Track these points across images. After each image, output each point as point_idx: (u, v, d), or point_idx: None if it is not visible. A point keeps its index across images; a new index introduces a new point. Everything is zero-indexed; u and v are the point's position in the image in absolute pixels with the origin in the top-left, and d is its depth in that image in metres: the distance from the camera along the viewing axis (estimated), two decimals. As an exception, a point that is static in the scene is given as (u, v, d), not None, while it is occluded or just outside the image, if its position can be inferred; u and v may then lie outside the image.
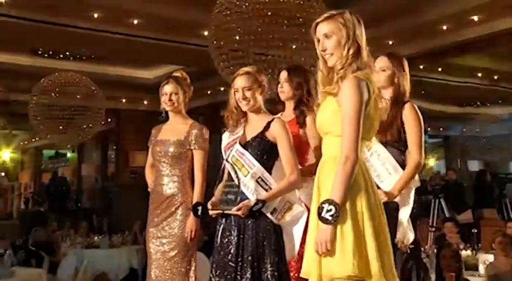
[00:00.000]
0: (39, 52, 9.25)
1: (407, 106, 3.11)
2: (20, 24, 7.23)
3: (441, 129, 16.79)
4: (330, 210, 2.19)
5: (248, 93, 3.01)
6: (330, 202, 2.20)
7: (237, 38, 5.07)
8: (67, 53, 9.49)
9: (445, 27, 7.66)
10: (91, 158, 16.61)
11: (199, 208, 3.38)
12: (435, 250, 5.78)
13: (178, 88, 3.58)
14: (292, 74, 3.45)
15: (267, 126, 2.97)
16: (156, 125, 3.80)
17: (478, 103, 13.70)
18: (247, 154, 2.95)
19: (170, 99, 3.56)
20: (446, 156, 17.33)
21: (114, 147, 14.29)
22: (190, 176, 3.60)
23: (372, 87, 2.35)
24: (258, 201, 2.87)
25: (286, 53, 5.13)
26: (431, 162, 17.49)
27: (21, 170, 21.17)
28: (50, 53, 9.32)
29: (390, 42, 8.21)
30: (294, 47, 5.21)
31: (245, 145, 2.99)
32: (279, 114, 3.44)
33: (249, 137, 3.01)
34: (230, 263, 2.89)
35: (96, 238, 8.46)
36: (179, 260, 3.44)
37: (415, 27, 7.66)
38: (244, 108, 3.05)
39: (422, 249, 6.31)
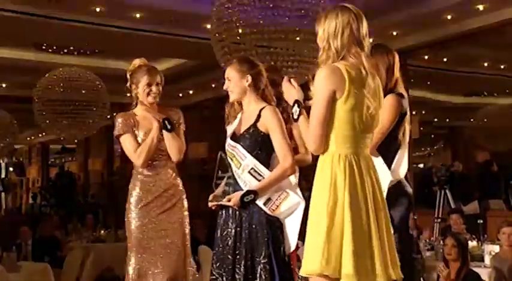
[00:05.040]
0: (43, 47, 9.24)
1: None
2: (23, 19, 7.22)
3: (447, 120, 16.69)
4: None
5: (229, 84, 3.02)
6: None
7: (239, 31, 5.04)
8: (71, 48, 9.47)
9: (449, 17, 7.59)
10: (97, 153, 16.63)
11: (166, 121, 3.32)
12: (441, 242, 5.76)
13: (159, 78, 3.44)
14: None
15: (258, 116, 2.93)
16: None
17: (485, 93, 13.59)
18: (238, 146, 2.93)
19: (158, 91, 3.39)
20: (452, 147, 17.23)
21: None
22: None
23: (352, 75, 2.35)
24: (248, 192, 2.85)
25: (288, 45, 5.09)
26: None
27: (28, 165, 21.30)
28: (54, 48, 9.30)
29: (394, 33, 8.14)
30: (297, 39, 5.17)
31: (238, 138, 2.97)
32: None
33: (242, 129, 2.99)
34: (228, 255, 2.88)
35: (102, 232, 8.50)
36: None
37: (419, 17, 7.59)
38: (231, 100, 3.04)
39: (427, 241, 6.31)
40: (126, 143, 3.40)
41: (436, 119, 16.39)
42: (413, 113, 13.38)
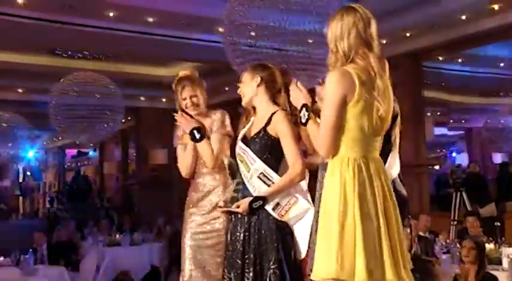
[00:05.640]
0: (58, 52, 9.32)
1: None
2: (37, 25, 7.29)
3: (463, 121, 16.54)
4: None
5: (242, 87, 3.03)
6: None
7: (251, 33, 5.02)
8: (85, 53, 9.55)
9: (464, 17, 7.50)
10: (112, 157, 16.75)
11: (195, 131, 3.28)
12: (457, 244, 5.69)
13: (196, 89, 3.41)
14: None
15: (269, 120, 2.91)
16: (174, 123, 3.68)
17: (501, 93, 13.45)
18: (248, 150, 2.91)
19: (193, 103, 3.38)
20: (468, 148, 17.06)
21: (135, 145, 14.39)
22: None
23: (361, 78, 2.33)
24: (256, 198, 2.83)
25: (302, 47, 5.06)
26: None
27: (45, 169, 21.49)
28: (69, 53, 9.39)
29: (408, 34, 8.08)
30: (310, 41, 5.14)
31: (249, 141, 2.95)
32: None
33: (253, 133, 2.97)
34: (237, 259, 2.87)
35: (117, 235, 8.51)
36: None
37: (433, 17, 7.52)
38: (243, 103, 3.04)
39: (443, 243, 6.24)
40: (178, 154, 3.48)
41: (451, 121, 16.25)
42: (428, 114, 13.32)
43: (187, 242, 3.29)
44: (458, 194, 7.91)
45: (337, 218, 2.26)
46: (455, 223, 7.58)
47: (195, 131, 3.29)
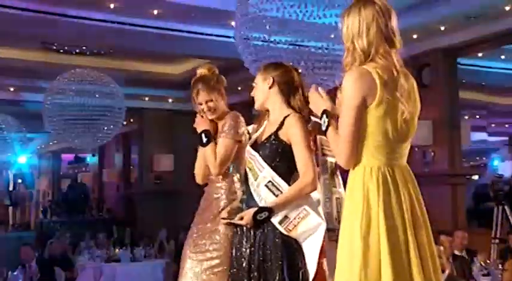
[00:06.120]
0: (53, 47, 9.41)
1: None
2: (31, 16, 7.36)
3: (506, 125, 16.39)
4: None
5: (253, 91, 3.10)
6: None
7: (266, 27, 5.05)
8: (83, 48, 9.64)
9: (508, 8, 7.39)
10: (113, 163, 16.85)
11: (203, 134, 3.33)
12: (500, 265, 5.64)
13: (211, 92, 3.44)
14: None
15: (281, 124, 2.94)
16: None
17: (548, 94, 13.32)
18: (257, 155, 2.95)
19: (209, 108, 3.42)
20: (513, 156, 16.89)
21: (137, 150, 14.47)
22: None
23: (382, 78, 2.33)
24: (262, 209, 2.84)
25: (322, 43, 5.07)
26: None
27: (38, 176, 21.67)
28: (65, 48, 9.48)
29: (442, 28, 8.03)
30: (332, 36, 5.15)
31: (258, 146, 3.00)
32: None
33: (264, 137, 3.01)
34: (244, 278, 2.89)
35: (116, 250, 8.58)
36: None
37: (471, 8, 7.43)
38: (255, 107, 3.09)
39: (482, 264, 6.19)
40: None
41: (492, 125, 16.10)
42: (466, 117, 13.22)
43: (186, 265, 3.33)
44: (501, 208, 7.80)
45: (359, 234, 2.26)
46: (496, 241, 7.49)
47: (202, 134, 3.35)
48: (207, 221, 3.33)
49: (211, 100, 3.41)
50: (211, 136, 3.38)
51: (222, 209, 3.31)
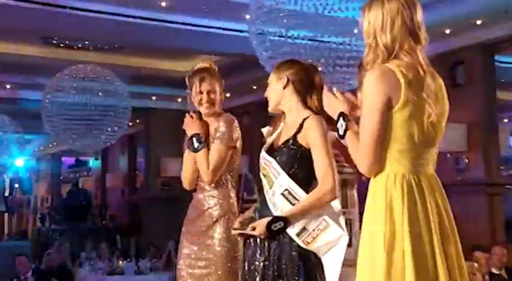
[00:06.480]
0: (53, 41, 9.48)
1: None
2: (28, 8, 7.40)
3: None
4: None
5: (267, 92, 3.11)
6: None
7: (283, 21, 5.07)
8: (86, 42, 9.70)
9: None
10: (117, 167, 16.95)
11: (194, 138, 3.38)
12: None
13: (215, 84, 3.54)
14: None
15: (300, 126, 2.94)
16: None
17: None
18: (273, 161, 2.94)
19: (209, 100, 3.49)
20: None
21: (143, 153, 14.54)
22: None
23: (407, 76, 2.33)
24: (276, 218, 2.83)
25: (344, 39, 5.09)
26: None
27: (36, 181, 21.84)
28: (66, 42, 9.55)
29: (478, 22, 8.00)
30: (355, 31, 5.16)
31: (275, 151, 2.99)
32: None
33: (281, 142, 3.00)
34: None
35: (120, 262, 8.63)
36: None
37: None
38: (269, 109, 3.11)
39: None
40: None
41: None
42: (504, 120, 13.12)
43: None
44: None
45: (382, 243, 2.26)
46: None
47: (194, 138, 3.40)
48: (199, 233, 3.40)
49: (214, 91, 3.49)
50: (203, 141, 3.42)
51: (216, 221, 3.38)
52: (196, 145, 3.39)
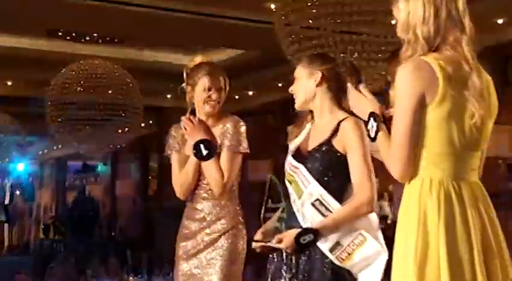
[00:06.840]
0: (59, 34, 9.55)
1: None
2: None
3: None
4: None
5: (294, 87, 3.06)
6: None
7: (312, 11, 5.07)
8: (94, 35, 9.76)
9: None
10: (128, 173, 17.04)
11: (202, 145, 3.31)
12: None
13: (224, 81, 3.51)
14: None
15: (336, 130, 2.91)
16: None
17: None
18: (302, 168, 2.91)
19: (216, 98, 3.45)
20: None
21: (157, 158, 14.62)
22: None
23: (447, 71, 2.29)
24: (306, 230, 2.81)
25: (378, 30, 5.07)
26: None
27: (39, 187, 22.02)
28: (72, 35, 9.61)
29: (500, 21, 7.94)
30: (392, 22, 5.14)
31: (304, 157, 2.96)
32: None
33: (311, 146, 2.97)
34: None
35: (131, 278, 8.67)
36: None
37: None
38: (296, 106, 3.06)
39: None
40: (172, 166, 3.56)
41: None
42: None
43: None
44: None
45: (413, 261, 2.23)
46: None
47: (201, 145, 3.33)
48: (202, 247, 3.41)
49: (225, 90, 3.47)
50: (213, 148, 3.35)
51: (223, 234, 3.38)
52: (205, 152, 3.32)
